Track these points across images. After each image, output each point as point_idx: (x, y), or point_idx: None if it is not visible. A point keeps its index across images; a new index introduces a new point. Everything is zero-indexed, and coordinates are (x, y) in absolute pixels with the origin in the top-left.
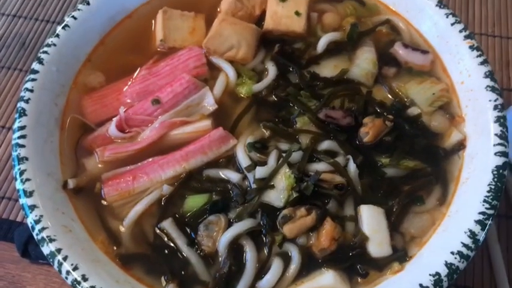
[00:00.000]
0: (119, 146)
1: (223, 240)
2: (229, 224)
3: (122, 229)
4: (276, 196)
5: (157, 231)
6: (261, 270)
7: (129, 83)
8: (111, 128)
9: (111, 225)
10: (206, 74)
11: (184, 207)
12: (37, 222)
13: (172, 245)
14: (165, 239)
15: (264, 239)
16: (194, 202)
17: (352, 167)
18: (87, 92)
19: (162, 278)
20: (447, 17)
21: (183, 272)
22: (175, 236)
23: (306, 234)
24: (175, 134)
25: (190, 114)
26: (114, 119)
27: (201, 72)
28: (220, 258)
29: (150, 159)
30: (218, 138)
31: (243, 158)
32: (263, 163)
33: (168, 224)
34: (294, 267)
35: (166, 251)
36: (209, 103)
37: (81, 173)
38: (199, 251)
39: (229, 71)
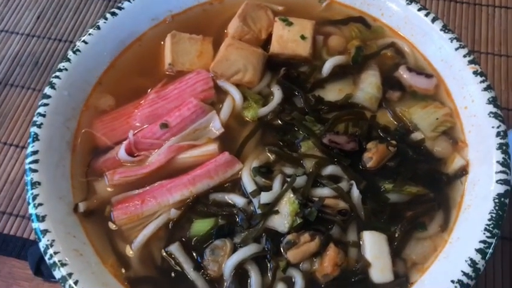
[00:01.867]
0: (128, 170)
1: (229, 264)
2: (234, 249)
3: (131, 252)
4: (280, 221)
5: (165, 254)
6: None
7: (139, 106)
8: (121, 152)
9: (120, 249)
10: (213, 97)
11: (191, 231)
12: (49, 246)
13: (179, 268)
14: (172, 262)
15: (268, 264)
16: (201, 226)
17: (355, 193)
18: (98, 114)
19: None
20: (451, 41)
21: None
22: (182, 260)
23: (310, 259)
24: (182, 158)
25: (198, 137)
26: (124, 143)
27: (208, 95)
28: (225, 283)
29: (157, 183)
30: (224, 162)
31: (248, 183)
32: (268, 188)
33: (175, 248)
34: None
35: (173, 275)
36: (216, 127)
37: (91, 197)
38: (205, 275)
39: (236, 94)
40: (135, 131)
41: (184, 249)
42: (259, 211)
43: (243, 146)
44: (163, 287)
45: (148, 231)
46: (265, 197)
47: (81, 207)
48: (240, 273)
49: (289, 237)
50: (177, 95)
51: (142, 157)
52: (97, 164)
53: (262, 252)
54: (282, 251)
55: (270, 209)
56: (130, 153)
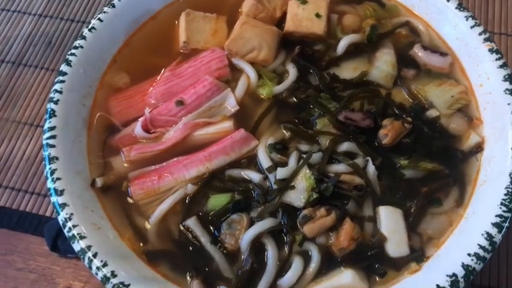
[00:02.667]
0: (145, 146)
1: (246, 238)
2: (251, 223)
3: (148, 227)
4: (297, 196)
5: (182, 228)
6: (282, 268)
7: (154, 84)
8: (137, 128)
9: (137, 223)
10: (228, 75)
11: (208, 206)
12: (68, 219)
13: (196, 242)
14: (190, 236)
15: (285, 238)
16: (217, 201)
17: (371, 169)
18: (113, 92)
19: (187, 274)
20: (467, 19)
21: (206, 269)
22: (199, 233)
23: (326, 234)
24: (198, 135)
25: (213, 115)
26: (140, 120)
27: (223, 73)
28: (242, 256)
29: (175, 159)
30: (240, 139)
31: (264, 159)
32: (284, 164)
33: (192, 222)
34: (314, 265)
35: (190, 248)
36: (231, 104)
37: (108, 172)
38: (222, 249)
39: (251, 72)
40: (151, 109)
41: (201, 224)
42: (275, 186)
43: (259, 123)
44: (180, 260)
45: (165, 206)
46: (281, 173)
47: (98, 182)
48: (257, 246)
49: (305, 211)
50: (191, 73)
51: (159, 133)
52: (113, 141)
53: (279, 226)
54: (298, 225)
55: (287, 184)
56: (146, 129)
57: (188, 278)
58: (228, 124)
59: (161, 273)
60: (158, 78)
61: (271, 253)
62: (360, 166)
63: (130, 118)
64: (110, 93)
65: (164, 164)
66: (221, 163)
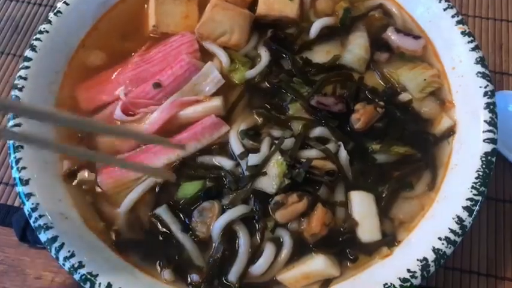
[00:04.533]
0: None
1: (217, 226)
2: (222, 211)
3: (118, 216)
4: (268, 183)
5: (152, 218)
6: (254, 255)
7: (122, 70)
8: (117, 112)
9: (107, 213)
10: (199, 59)
11: (178, 194)
12: (34, 210)
13: (167, 231)
14: (160, 225)
15: (257, 224)
16: (188, 189)
17: (343, 154)
18: (82, 78)
19: (157, 264)
20: (440, 1)
21: (177, 258)
22: (170, 222)
23: (298, 219)
24: (185, 114)
25: (198, 92)
26: (119, 103)
27: (194, 58)
28: (214, 244)
29: (144, 147)
30: (211, 124)
31: (236, 145)
32: (256, 150)
33: (162, 211)
34: (285, 252)
35: (161, 238)
36: (215, 79)
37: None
38: (193, 237)
39: (223, 56)
40: (125, 93)
41: (171, 212)
42: (247, 173)
43: (232, 110)
44: (151, 250)
45: (134, 195)
46: (253, 159)
47: (65, 166)
48: (229, 234)
49: (277, 198)
50: (161, 58)
51: (142, 115)
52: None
53: (251, 213)
54: (270, 211)
55: (258, 170)
56: (126, 113)
57: (158, 267)
58: (217, 102)
59: (132, 263)
60: (126, 64)
61: (242, 240)
62: (331, 151)
63: (99, 104)
64: (78, 78)
65: (132, 152)
66: (192, 149)
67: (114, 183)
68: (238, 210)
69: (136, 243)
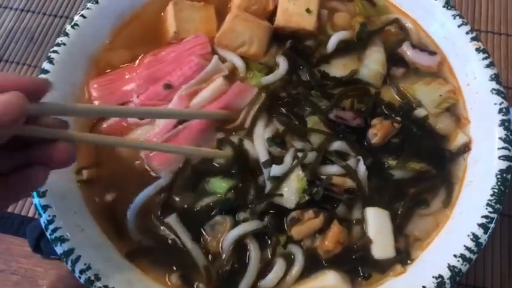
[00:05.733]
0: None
1: (228, 239)
2: (234, 225)
3: (129, 223)
4: (288, 198)
5: (163, 225)
6: (265, 270)
7: (136, 69)
8: None
9: (120, 220)
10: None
11: (211, 188)
12: (50, 222)
13: (177, 240)
14: (170, 233)
15: (269, 239)
16: (217, 186)
17: (361, 169)
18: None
19: (166, 273)
20: (454, 18)
21: (186, 266)
22: (180, 231)
23: (312, 236)
24: (195, 104)
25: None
26: (131, 106)
27: (205, 60)
28: (223, 256)
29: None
30: (240, 91)
31: (262, 152)
32: (278, 160)
33: (172, 219)
34: (296, 268)
35: (171, 245)
36: (222, 72)
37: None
38: (203, 249)
39: (238, 62)
40: (137, 94)
41: (182, 221)
42: (268, 183)
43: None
44: (160, 258)
45: (142, 198)
46: (275, 170)
47: (84, 174)
48: (240, 247)
49: (293, 214)
50: (174, 58)
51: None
52: (102, 129)
53: (263, 229)
54: (286, 228)
55: (279, 183)
56: None
57: (167, 275)
58: (219, 81)
59: (142, 269)
60: (138, 62)
61: (253, 254)
62: (352, 168)
63: (112, 104)
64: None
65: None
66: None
67: (167, 161)
68: (250, 225)
69: (146, 250)
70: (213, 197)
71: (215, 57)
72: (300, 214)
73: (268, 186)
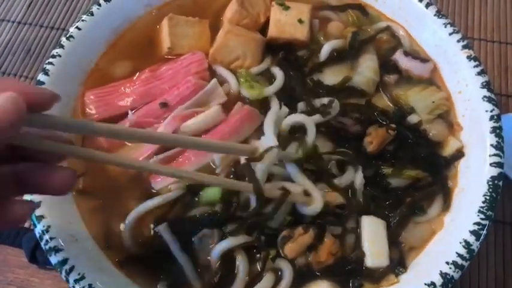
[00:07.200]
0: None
1: (216, 251)
2: (223, 236)
3: (124, 232)
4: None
5: (154, 234)
6: (253, 283)
7: (132, 84)
8: None
9: (114, 229)
10: (207, 79)
11: (203, 199)
12: (45, 232)
13: (167, 249)
14: (160, 242)
15: (258, 253)
16: (210, 194)
17: (359, 179)
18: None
19: (154, 279)
20: (445, 26)
21: (174, 276)
22: (169, 241)
23: (305, 253)
24: (186, 126)
25: (201, 106)
26: (127, 122)
27: (202, 77)
28: (212, 268)
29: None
30: (247, 115)
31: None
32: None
33: (163, 228)
34: (285, 283)
35: (161, 254)
36: (218, 95)
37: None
38: (192, 259)
39: (231, 79)
40: (132, 110)
41: (172, 230)
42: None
43: None
44: (150, 267)
45: (141, 209)
46: None
47: (79, 185)
48: (228, 260)
49: (283, 233)
50: (171, 75)
51: None
52: (93, 142)
53: (252, 242)
54: (279, 248)
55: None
56: None
57: (156, 284)
58: (216, 109)
59: (132, 278)
60: (137, 78)
61: (241, 267)
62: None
63: (105, 117)
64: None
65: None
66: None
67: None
68: (238, 239)
69: (137, 258)
70: (201, 208)
71: (214, 80)
72: (289, 232)
73: (253, 201)
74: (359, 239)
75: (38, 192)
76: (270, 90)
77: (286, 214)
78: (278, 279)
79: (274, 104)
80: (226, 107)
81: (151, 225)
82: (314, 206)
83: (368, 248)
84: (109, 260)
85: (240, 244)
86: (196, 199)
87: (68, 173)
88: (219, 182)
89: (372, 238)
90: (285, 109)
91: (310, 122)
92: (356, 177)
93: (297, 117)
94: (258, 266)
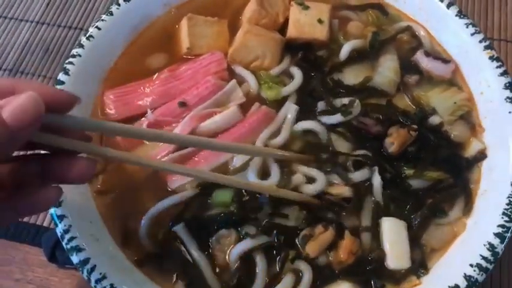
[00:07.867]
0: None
1: (234, 253)
2: (240, 239)
3: (141, 231)
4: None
5: (171, 234)
6: (271, 284)
7: (151, 84)
8: None
9: (133, 228)
10: (226, 78)
11: (215, 201)
12: (66, 232)
13: (184, 249)
14: (179, 242)
15: (277, 254)
16: (220, 196)
17: (376, 180)
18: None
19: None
20: (467, 27)
21: (192, 276)
22: (187, 240)
23: (325, 252)
24: (204, 126)
25: (219, 107)
26: (145, 121)
27: (221, 77)
28: (231, 268)
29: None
30: (264, 115)
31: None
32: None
33: (180, 229)
34: (305, 284)
35: (178, 254)
36: (238, 96)
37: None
38: (210, 260)
39: (251, 79)
40: (151, 109)
41: (190, 230)
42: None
43: None
44: (169, 267)
45: (160, 207)
46: None
47: (99, 185)
48: (247, 261)
49: (304, 232)
50: (190, 75)
51: None
52: (110, 142)
53: (270, 243)
54: (300, 247)
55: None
56: None
57: (174, 284)
58: (234, 109)
59: (151, 277)
60: (156, 78)
61: (260, 268)
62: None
63: (125, 116)
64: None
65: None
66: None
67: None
68: (257, 240)
69: (154, 257)
70: (218, 209)
71: (233, 80)
72: (310, 231)
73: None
74: (378, 239)
75: (59, 181)
76: (288, 90)
77: (299, 209)
78: (297, 281)
79: (291, 100)
80: (244, 107)
81: (168, 225)
82: (316, 185)
83: (389, 249)
84: (128, 259)
85: (259, 244)
86: (209, 200)
87: (87, 162)
88: (233, 182)
89: (393, 239)
90: (294, 106)
91: (322, 131)
92: (374, 178)
93: (307, 124)
94: (277, 267)
